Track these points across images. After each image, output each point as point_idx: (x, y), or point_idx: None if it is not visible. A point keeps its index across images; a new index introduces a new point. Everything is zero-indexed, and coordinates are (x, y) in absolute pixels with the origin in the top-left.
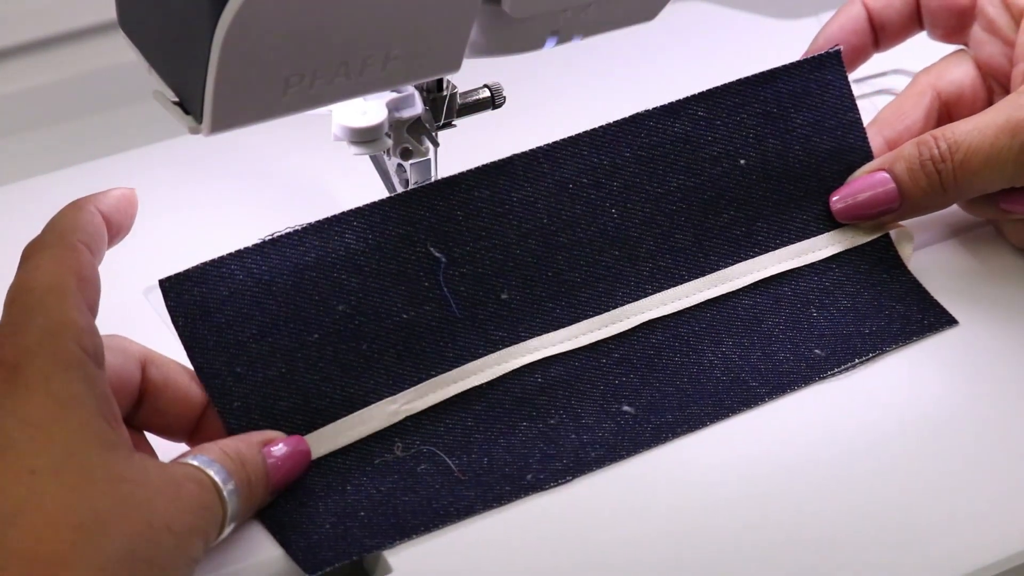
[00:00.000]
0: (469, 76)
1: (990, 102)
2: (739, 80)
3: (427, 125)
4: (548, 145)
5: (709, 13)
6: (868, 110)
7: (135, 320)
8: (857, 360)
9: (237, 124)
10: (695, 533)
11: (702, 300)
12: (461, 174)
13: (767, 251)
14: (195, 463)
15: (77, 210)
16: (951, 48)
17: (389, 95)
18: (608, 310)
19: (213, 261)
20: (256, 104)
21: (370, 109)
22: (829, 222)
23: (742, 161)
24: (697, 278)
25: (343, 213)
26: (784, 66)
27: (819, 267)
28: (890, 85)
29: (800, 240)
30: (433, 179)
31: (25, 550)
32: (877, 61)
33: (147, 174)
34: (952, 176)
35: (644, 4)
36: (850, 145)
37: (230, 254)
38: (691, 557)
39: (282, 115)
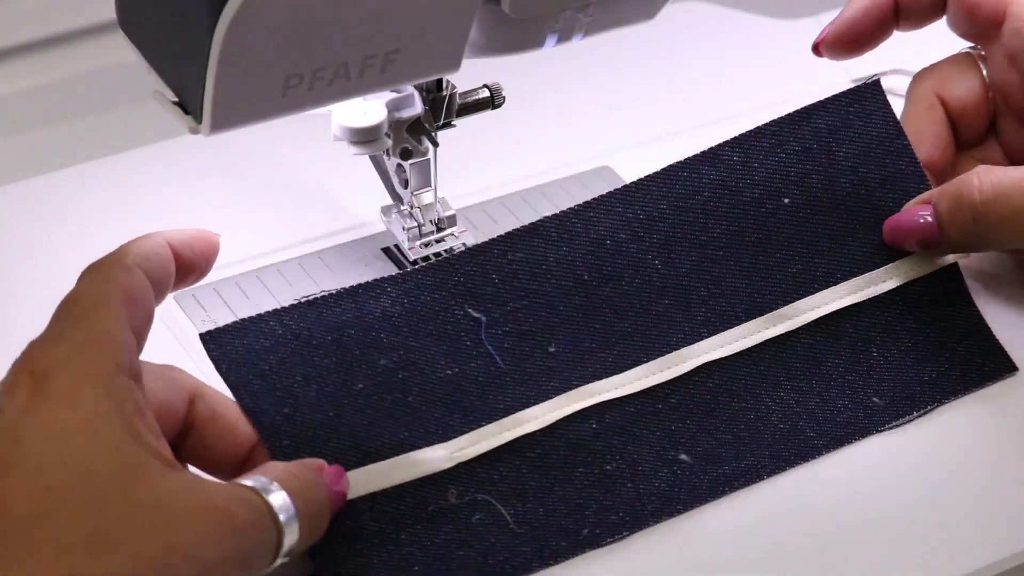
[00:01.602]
0: (469, 76)
1: (992, 115)
2: (773, 121)
3: (427, 125)
4: (579, 205)
5: (709, 13)
6: None
7: None
8: (915, 413)
9: (237, 124)
10: None
11: (761, 340)
12: (492, 240)
13: (827, 286)
14: (251, 484)
15: (144, 238)
16: (945, 40)
17: (389, 95)
18: (663, 354)
19: (251, 317)
20: (256, 104)
21: (370, 109)
22: (890, 252)
23: (786, 200)
24: (755, 318)
25: (375, 280)
26: (820, 102)
27: (882, 300)
28: (891, 85)
29: (861, 273)
30: (433, 179)
31: (29, 570)
32: (877, 61)
33: (147, 174)
34: (991, 228)
35: (644, 4)
36: (902, 172)
37: (267, 312)
38: None
39: (282, 115)
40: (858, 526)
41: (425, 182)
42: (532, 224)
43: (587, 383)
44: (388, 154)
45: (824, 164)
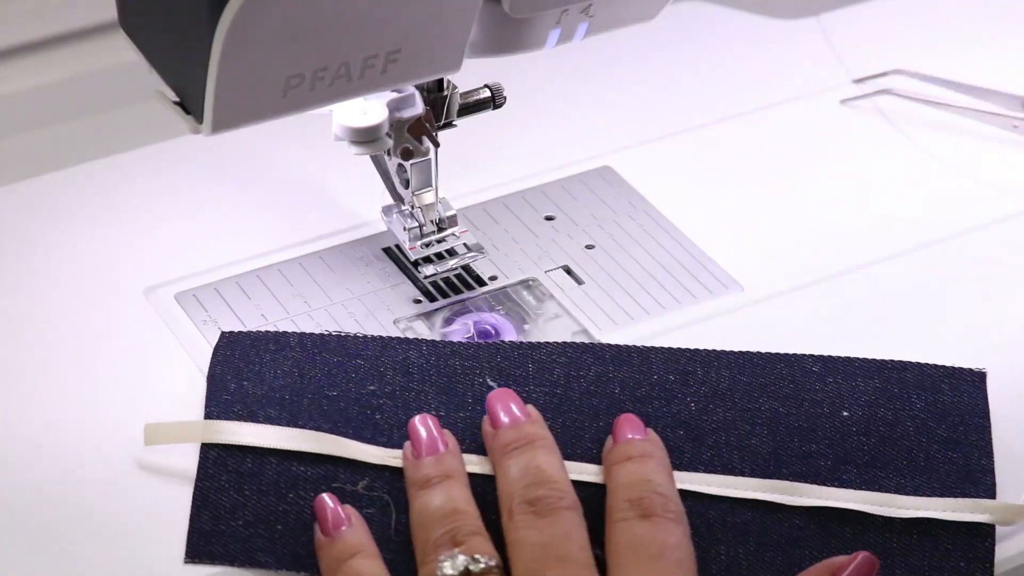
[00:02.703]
0: (469, 76)
1: None
2: (864, 358)
3: (427, 125)
4: (645, 347)
5: (709, 13)
6: (869, 110)
7: (135, 320)
8: None
9: (238, 124)
10: None
11: (751, 497)
12: (542, 343)
13: (845, 487)
14: None
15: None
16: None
17: (389, 95)
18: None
19: (274, 333)
20: (257, 104)
21: (370, 109)
22: (925, 494)
23: (845, 412)
24: (759, 477)
25: (415, 339)
26: (918, 363)
27: (896, 525)
28: (890, 85)
29: (887, 492)
30: (433, 179)
31: None
32: (877, 61)
33: (147, 174)
34: None
35: (644, 4)
36: (971, 441)
37: (299, 333)
38: None
39: (282, 115)
40: None
41: (426, 182)
42: (591, 344)
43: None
44: (389, 154)
45: (896, 405)
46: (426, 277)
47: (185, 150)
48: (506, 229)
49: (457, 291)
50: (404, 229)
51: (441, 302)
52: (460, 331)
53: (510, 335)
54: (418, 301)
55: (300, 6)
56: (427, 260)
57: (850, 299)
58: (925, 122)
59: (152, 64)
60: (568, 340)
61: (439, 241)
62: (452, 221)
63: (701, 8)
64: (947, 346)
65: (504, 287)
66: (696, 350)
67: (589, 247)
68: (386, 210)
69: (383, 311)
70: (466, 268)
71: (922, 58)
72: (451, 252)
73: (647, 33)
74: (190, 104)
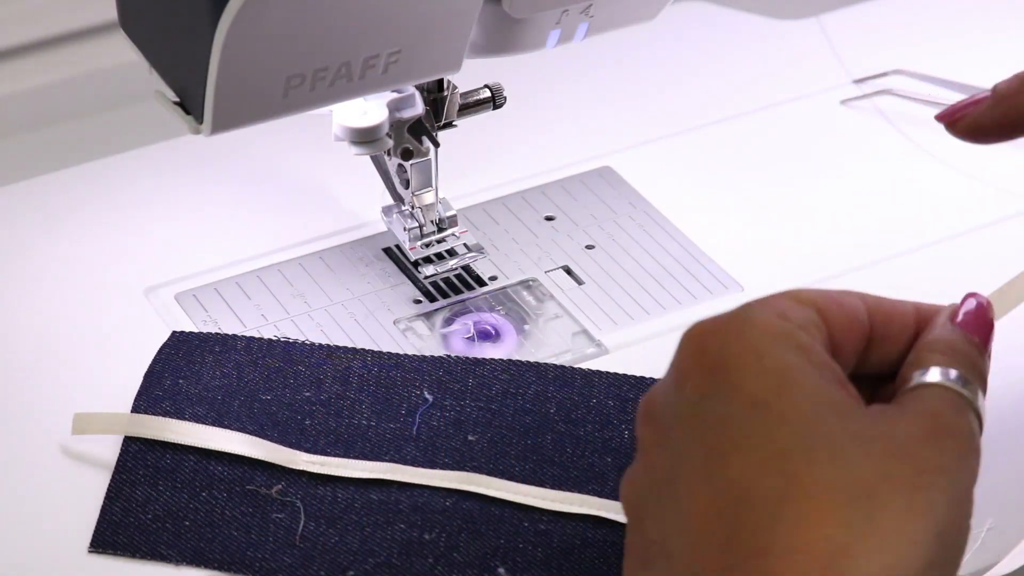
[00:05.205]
0: (469, 76)
1: None
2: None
3: (427, 125)
4: (590, 371)
5: (709, 13)
6: (869, 110)
7: (135, 320)
8: None
9: (238, 124)
10: None
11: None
12: (487, 359)
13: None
14: (929, 380)
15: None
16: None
17: (390, 95)
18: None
19: (226, 335)
20: (257, 104)
21: (370, 109)
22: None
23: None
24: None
25: (362, 349)
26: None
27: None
28: (890, 85)
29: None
30: (434, 179)
31: (796, 544)
32: (877, 61)
33: (147, 174)
34: None
35: (644, 4)
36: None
37: (247, 337)
38: None
39: (283, 115)
40: None
41: (426, 182)
42: (534, 363)
43: (483, 474)
44: (389, 154)
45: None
46: (426, 277)
47: (185, 150)
48: (506, 229)
49: (457, 291)
50: (404, 229)
51: (441, 302)
52: (460, 331)
53: (510, 335)
54: (418, 301)
55: (300, 6)
56: (427, 260)
57: None
58: (925, 122)
59: (152, 64)
60: (567, 340)
61: (439, 241)
62: (452, 221)
63: (701, 8)
64: None
65: (504, 287)
66: (641, 378)
67: (589, 247)
68: (386, 210)
69: (383, 311)
70: (466, 268)
71: (922, 58)
72: (451, 252)
73: (647, 33)
74: (190, 104)
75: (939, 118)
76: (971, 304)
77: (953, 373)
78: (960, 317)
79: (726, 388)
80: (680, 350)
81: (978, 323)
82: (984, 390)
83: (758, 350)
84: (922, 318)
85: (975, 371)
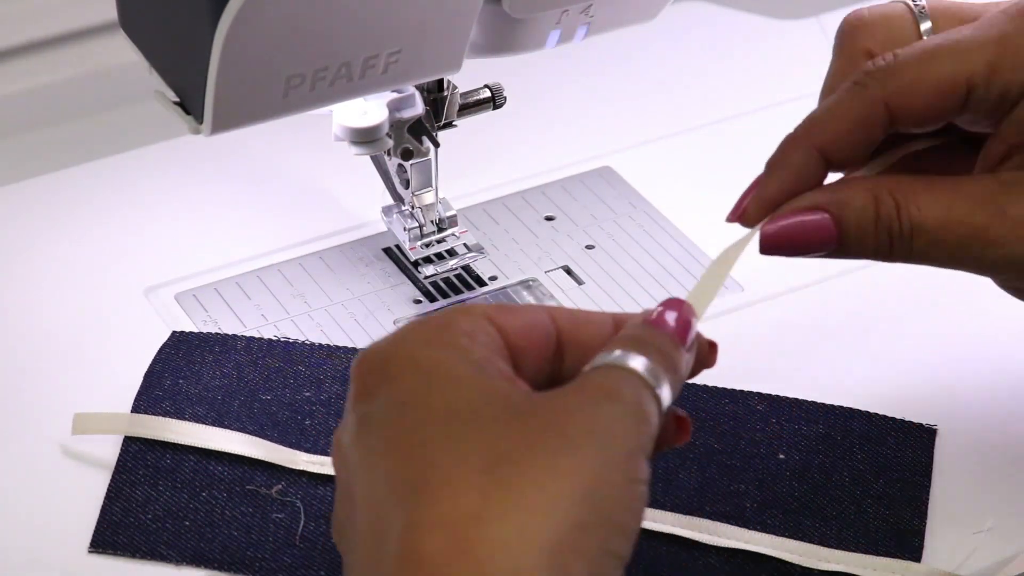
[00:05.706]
0: (470, 76)
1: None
2: (813, 401)
3: (427, 125)
4: None
5: (709, 13)
6: None
7: (135, 320)
8: None
9: (238, 124)
10: None
11: (668, 532)
12: None
13: (767, 532)
14: (603, 361)
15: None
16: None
17: (390, 95)
18: None
19: (226, 335)
20: (257, 104)
21: (370, 109)
22: (849, 548)
23: (781, 455)
24: (681, 513)
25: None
26: (868, 412)
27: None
28: None
29: (807, 542)
30: (434, 179)
31: (431, 518)
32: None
33: (147, 174)
34: (906, 255)
35: (644, 4)
36: (906, 512)
37: (247, 337)
38: None
39: (283, 115)
40: None
41: (426, 182)
42: None
43: None
44: (389, 154)
45: (836, 454)
46: (426, 277)
47: (185, 150)
48: (506, 229)
49: (457, 291)
50: (404, 229)
51: (441, 302)
52: None
53: None
54: (418, 301)
55: (300, 6)
56: (427, 260)
57: (850, 299)
58: None
59: (152, 64)
60: None
61: (439, 241)
62: (452, 221)
63: (701, 8)
64: (949, 346)
65: (504, 287)
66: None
67: (589, 247)
68: (386, 210)
69: (383, 311)
70: (466, 268)
71: None
72: (451, 252)
73: (647, 33)
74: (190, 104)
75: (729, 220)
76: (666, 304)
77: (632, 356)
78: (653, 316)
79: (383, 393)
80: (351, 372)
81: (675, 320)
82: (674, 381)
83: (412, 354)
84: (619, 324)
85: (661, 358)
